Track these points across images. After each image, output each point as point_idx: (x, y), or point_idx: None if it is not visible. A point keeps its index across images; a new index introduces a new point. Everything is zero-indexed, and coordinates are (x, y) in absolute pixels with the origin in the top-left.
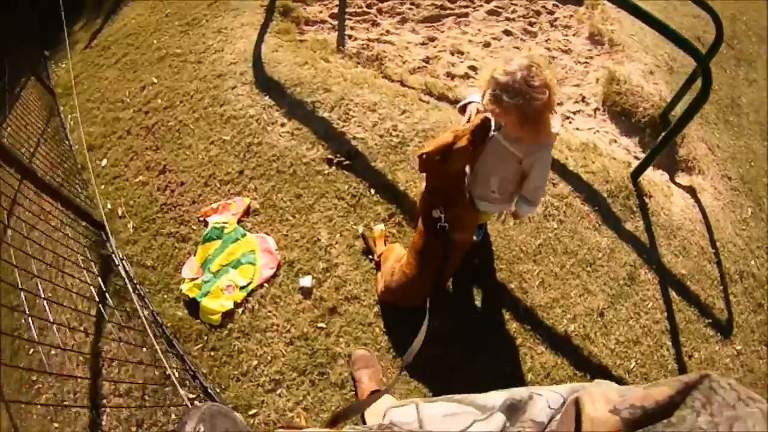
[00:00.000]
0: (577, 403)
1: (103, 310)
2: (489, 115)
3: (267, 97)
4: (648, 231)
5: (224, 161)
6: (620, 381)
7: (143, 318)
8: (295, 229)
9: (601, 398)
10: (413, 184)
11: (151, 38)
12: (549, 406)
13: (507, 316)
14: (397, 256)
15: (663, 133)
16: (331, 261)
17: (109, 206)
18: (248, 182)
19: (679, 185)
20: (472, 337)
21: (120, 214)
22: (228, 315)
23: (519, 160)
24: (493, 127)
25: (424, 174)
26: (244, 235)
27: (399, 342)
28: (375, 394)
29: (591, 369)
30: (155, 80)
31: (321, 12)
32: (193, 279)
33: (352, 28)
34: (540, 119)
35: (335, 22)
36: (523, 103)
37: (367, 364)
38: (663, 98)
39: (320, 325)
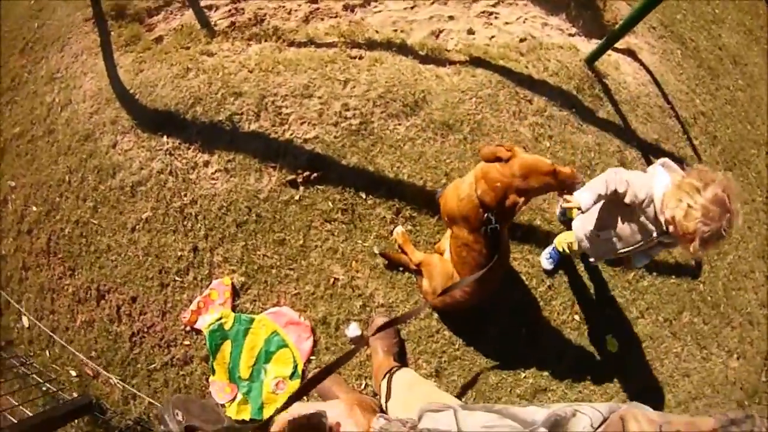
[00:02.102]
0: (622, 420)
1: None
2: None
3: (165, 138)
4: (618, 112)
5: (165, 246)
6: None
7: None
8: (303, 281)
9: (644, 418)
10: (400, 164)
11: None
12: (591, 424)
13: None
14: (445, 274)
15: (621, 22)
16: (363, 294)
17: (73, 373)
18: (212, 257)
19: (617, 50)
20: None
21: (91, 374)
22: None
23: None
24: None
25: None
26: (252, 320)
27: (469, 332)
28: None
29: None
30: (12, 183)
31: None
32: (233, 400)
33: None
34: None
35: None
36: (720, 239)
37: (384, 335)
38: None
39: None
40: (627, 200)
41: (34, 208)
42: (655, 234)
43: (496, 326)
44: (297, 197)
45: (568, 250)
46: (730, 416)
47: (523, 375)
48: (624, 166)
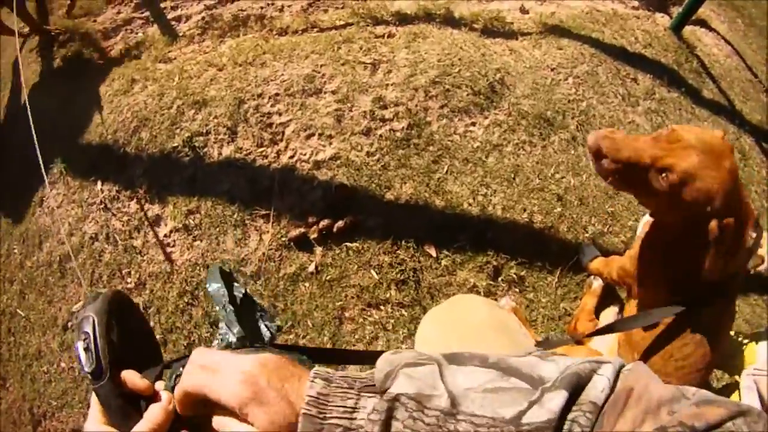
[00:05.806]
0: (627, 395)
1: None
2: None
3: (99, 185)
4: (720, 91)
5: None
6: None
7: None
8: None
9: (647, 398)
10: (487, 190)
11: None
12: (605, 389)
13: None
14: None
15: None
16: None
17: None
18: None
19: (690, 20)
20: None
21: None
22: None
23: None
24: None
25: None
26: None
27: None
28: None
29: None
30: None
31: (119, 12)
32: None
33: (174, 8)
34: None
35: (146, 13)
36: None
37: None
38: None
39: None
40: None
41: None
42: None
43: None
44: (311, 266)
45: None
46: (743, 408)
47: None
48: (745, 158)
